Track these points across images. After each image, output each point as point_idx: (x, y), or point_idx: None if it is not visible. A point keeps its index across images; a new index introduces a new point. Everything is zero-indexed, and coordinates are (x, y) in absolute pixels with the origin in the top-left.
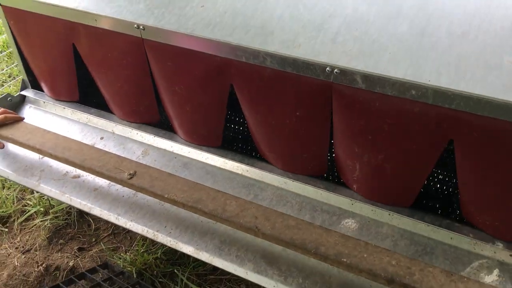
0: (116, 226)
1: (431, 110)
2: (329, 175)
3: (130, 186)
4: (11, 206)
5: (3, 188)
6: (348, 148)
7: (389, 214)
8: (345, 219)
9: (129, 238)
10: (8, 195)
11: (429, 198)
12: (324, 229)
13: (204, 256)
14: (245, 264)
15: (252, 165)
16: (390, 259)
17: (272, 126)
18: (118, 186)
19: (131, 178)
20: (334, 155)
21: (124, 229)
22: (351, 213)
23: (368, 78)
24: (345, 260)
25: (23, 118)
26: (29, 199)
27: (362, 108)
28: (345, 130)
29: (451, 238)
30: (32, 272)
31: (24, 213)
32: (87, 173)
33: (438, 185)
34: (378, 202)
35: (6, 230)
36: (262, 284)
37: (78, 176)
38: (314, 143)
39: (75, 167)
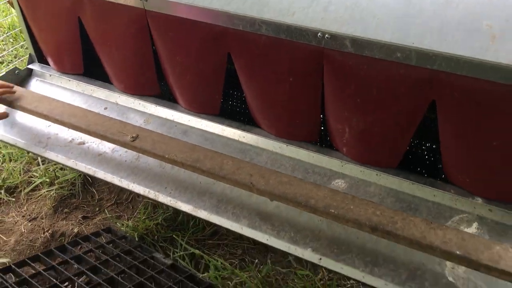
0: (118, 197)
1: (415, 71)
2: (322, 141)
3: (133, 148)
4: (18, 177)
5: (10, 160)
6: (338, 112)
7: (377, 174)
8: (335, 180)
9: (131, 207)
10: (15, 167)
11: (414, 159)
12: (315, 184)
13: (202, 214)
14: (240, 220)
15: (248, 131)
16: (374, 210)
17: (266, 93)
18: (121, 152)
19: (133, 140)
20: (325, 120)
21: (126, 199)
22: (341, 174)
23: (356, 42)
24: (333, 211)
25: (13, 86)
26: (35, 171)
27: (351, 72)
28: (335, 94)
29: (434, 195)
30: (38, 238)
31: (31, 184)
32: (92, 140)
33: (422, 146)
34: (367, 164)
35: (13, 199)
36: (256, 238)
37: (83, 143)
38: (306, 109)
39: (81, 131)
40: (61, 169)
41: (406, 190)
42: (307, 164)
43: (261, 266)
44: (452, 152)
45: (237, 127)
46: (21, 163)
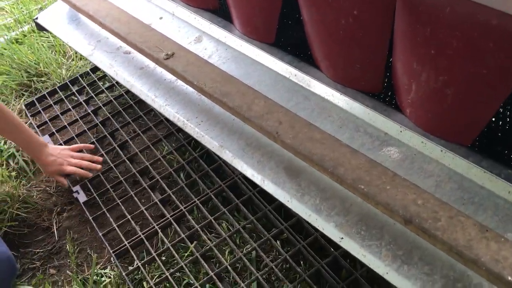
0: None
1: None
2: (384, 96)
3: (164, 66)
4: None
5: (80, 59)
6: (407, 62)
7: (441, 151)
8: (388, 147)
9: None
10: (83, 65)
11: (493, 139)
12: (351, 149)
13: (227, 156)
14: (264, 171)
15: (300, 69)
16: (416, 197)
17: (327, 26)
18: (163, 69)
19: (167, 58)
20: (391, 70)
21: None
22: (397, 141)
23: None
24: (362, 187)
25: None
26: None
27: (429, 13)
28: (405, 39)
29: (509, 192)
30: None
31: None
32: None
33: (508, 124)
34: (431, 134)
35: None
36: (276, 196)
37: (129, 53)
38: (370, 52)
39: (120, 39)
40: None
41: (474, 178)
42: (359, 120)
43: None
44: None
45: (289, 62)
46: (89, 62)
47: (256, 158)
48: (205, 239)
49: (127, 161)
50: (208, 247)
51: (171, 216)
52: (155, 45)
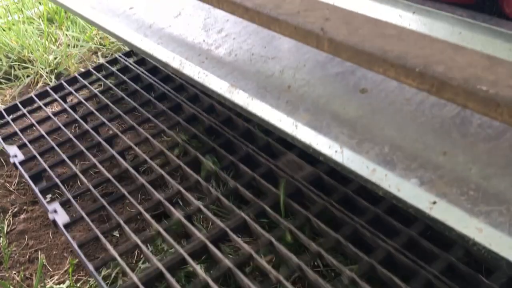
0: None
1: None
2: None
3: None
4: None
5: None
6: None
7: None
8: None
9: None
10: None
11: None
12: (452, 44)
13: (239, 98)
14: (298, 112)
15: None
16: None
17: None
18: None
19: None
20: None
21: None
22: None
23: None
24: (483, 88)
25: None
26: None
27: None
28: None
29: None
30: None
31: None
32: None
33: None
34: None
35: None
36: (316, 147)
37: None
38: None
39: None
40: None
41: None
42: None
43: None
44: None
45: None
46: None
47: (284, 98)
48: None
49: None
50: None
51: None
52: None
